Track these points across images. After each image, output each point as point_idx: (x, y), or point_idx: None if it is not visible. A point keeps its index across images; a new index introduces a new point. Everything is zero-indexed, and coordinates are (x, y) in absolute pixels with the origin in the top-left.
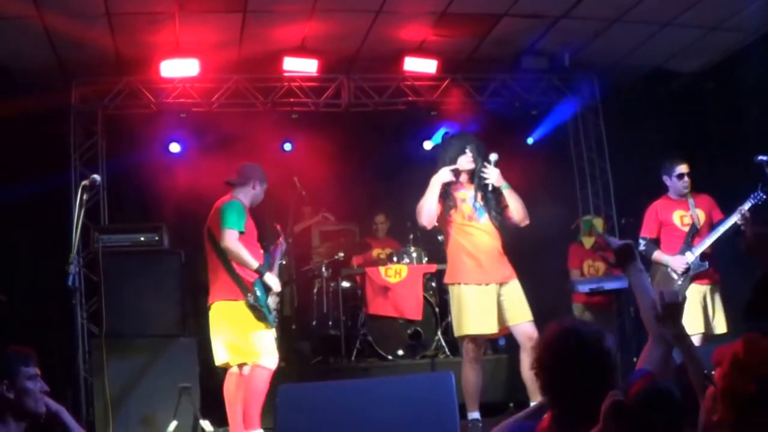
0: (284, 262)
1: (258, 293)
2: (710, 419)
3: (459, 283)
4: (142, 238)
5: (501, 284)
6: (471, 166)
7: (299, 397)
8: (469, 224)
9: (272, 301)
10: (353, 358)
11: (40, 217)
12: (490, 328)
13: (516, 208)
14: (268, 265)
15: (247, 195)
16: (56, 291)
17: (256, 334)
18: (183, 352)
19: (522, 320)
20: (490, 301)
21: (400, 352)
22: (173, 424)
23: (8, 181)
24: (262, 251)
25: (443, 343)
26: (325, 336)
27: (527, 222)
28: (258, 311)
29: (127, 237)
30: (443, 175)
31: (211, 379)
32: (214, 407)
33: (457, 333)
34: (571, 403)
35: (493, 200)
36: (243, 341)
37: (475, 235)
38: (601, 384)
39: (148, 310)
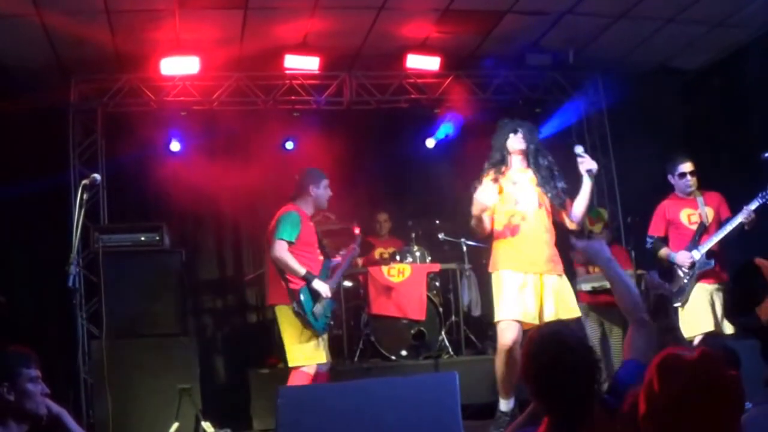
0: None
1: (303, 300)
2: None
3: (499, 269)
4: (143, 238)
5: (546, 275)
6: (521, 145)
7: (301, 398)
8: (515, 211)
9: (320, 308)
10: (356, 359)
11: (39, 217)
12: (526, 316)
13: (583, 204)
14: (326, 271)
15: (308, 202)
16: (56, 291)
17: (303, 339)
18: (184, 352)
19: (569, 315)
20: (530, 290)
21: (404, 353)
22: (174, 425)
23: (7, 180)
24: (322, 257)
25: (447, 344)
26: (327, 336)
27: (576, 226)
28: (302, 318)
29: (128, 237)
30: (483, 196)
31: (212, 379)
32: (215, 408)
33: (495, 318)
34: (563, 409)
35: (551, 184)
36: (289, 344)
37: (521, 224)
38: (589, 385)
39: (149, 310)
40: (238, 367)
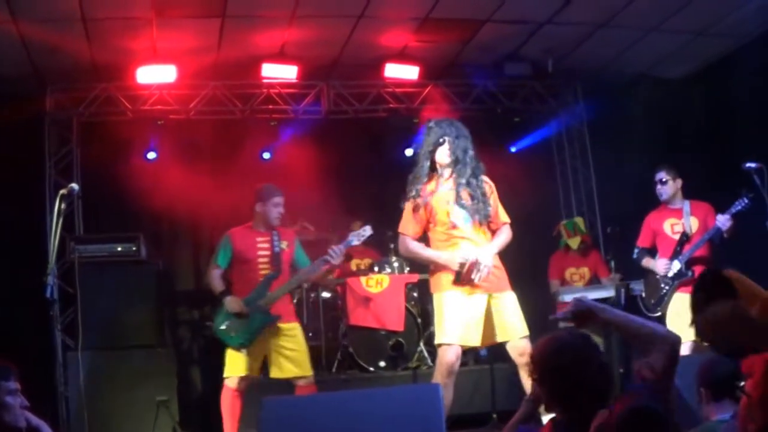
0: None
1: (215, 316)
2: (746, 428)
3: (441, 292)
4: (119, 248)
5: (491, 295)
6: (448, 159)
7: (283, 411)
8: (452, 233)
9: (235, 324)
10: (334, 370)
11: (13, 227)
12: (469, 340)
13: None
14: (264, 287)
15: (256, 219)
16: (30, 302)
17: (227, 353)
18: (161, 363)
19: (514, 337)
20: (474, 312)
21: (382, 364)
22: None
23: None
24: (262, 277)
25: (426, 354)
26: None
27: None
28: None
29: (104, 247)
30: (451, 264)
31: (190, 391)
32: (193, 420)
33: (436, 341)
34: (576, 413)
35: (480, 199)
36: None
37: (460, 244)
38: (605, 392)
39: (126, 321)
40: (216, 378)
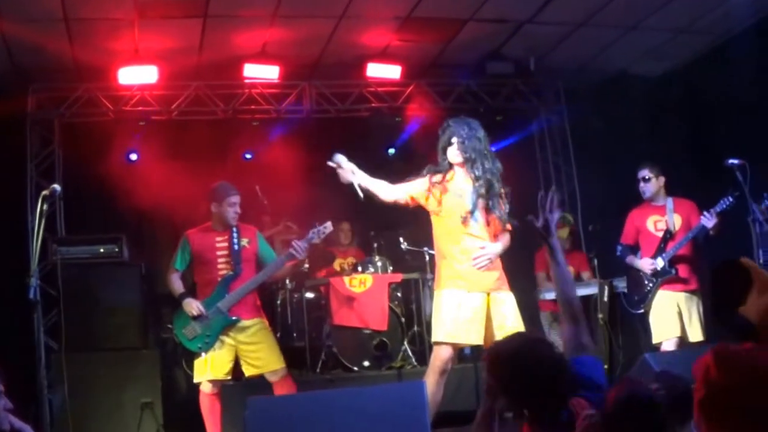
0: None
1: (174, 319)
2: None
3: (441, 289)
4: (102, 250)
5: (493, 293)
6: (459, 158)
7: (268, 410)
8: (458, 226)
9: (196, 327)
10: (318, 370)
11: None
12: (467, 338)
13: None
14: (223, 288)
15: (215, 220)
16: (12, 305)
17: (196, 356)
18: (145, 365)
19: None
20: (474, 310)
21: (366, 364)
22: None
23: None
24: (220, 278)
25: (410, 354)
26: (289, 348)
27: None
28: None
29: (86, 249)
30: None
31: (175, 393)
32: (177, 422)
33: (432, 339)
34: (540, 411)
35: (492, 201)
36: None
37: (464, 239)
38: (564, 388)
39: (109, 323)
40: None
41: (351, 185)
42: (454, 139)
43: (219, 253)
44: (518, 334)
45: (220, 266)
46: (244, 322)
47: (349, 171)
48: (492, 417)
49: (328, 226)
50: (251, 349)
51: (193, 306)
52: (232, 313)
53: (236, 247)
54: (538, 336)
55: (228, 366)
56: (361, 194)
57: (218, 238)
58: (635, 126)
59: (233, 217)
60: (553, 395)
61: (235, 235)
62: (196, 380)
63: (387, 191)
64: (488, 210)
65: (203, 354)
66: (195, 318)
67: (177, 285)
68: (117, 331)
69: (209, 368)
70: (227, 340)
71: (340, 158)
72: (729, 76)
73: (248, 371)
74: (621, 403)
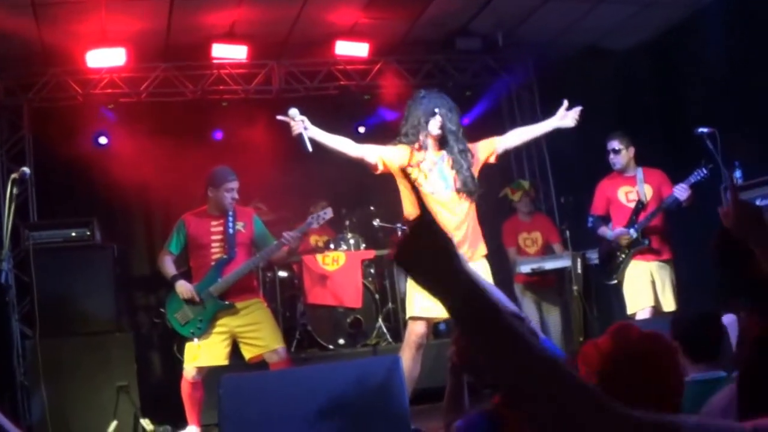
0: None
1: (166, 304)
2: None
3: None
4: (74, 234)
5: (469, 263)
6: (437, 132)
7: (243, 387)
8: (433, 199)
9: (187, 313)
10: (293, 349)
11: None
12: (443, 311)
13: (524, 138)
14: (216, 272)
15: (211, 204)
16: None
17: (186, 342)
18: (120, 349)
19: None
20: None
21: (341, 341)
22: (113, 424)
23: None
24: (214, 262)
25: (384, 330)
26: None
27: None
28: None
29: (58, 233)
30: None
31: (150, 376)
32: (153, 405)
33: (406, 314)
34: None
35: (463, 172)
36: None
37: (440, 212)
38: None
39: (83, 307)
40: (176, 362)
41: (300, 136)
42: (437, 110)
43: (214, 237)
44: None
45: (214, 250)
46: (241, 304)
47: (300, 123)
48: (460, 393)
49: (329, 212)
50: (250, 330)
51: (185, 289)
52: (225, 298)
53: (231, 231)
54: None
55: (224, 352)
56: (309, 146)
57: (213, 223)
58: (605, 99)
59: (230, 203)
60: None
61: (230, 219)
62: (185, 365)
63: (352, 146)
64: (461, 181)
65: (195, 340)
66: (187, 302)
67: (170, 268)
68: (91, 315)
69: (203, 354)
70: (221, 326)
71: (293, 112)
72: (698, 48)
73: (249, 353)
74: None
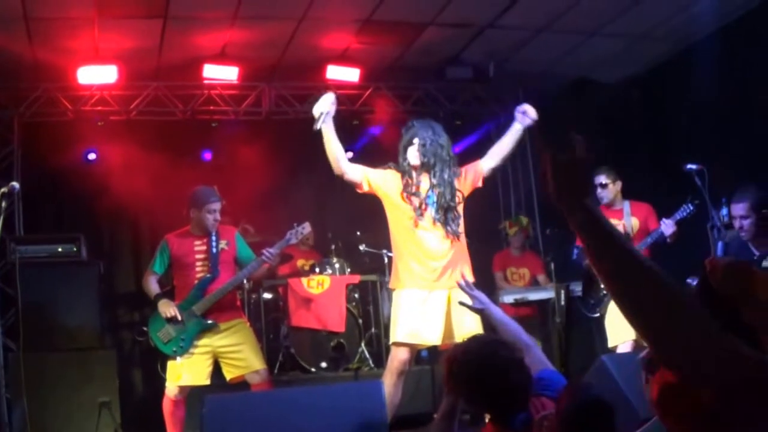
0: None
1: (149, 322)
2: None
3: (400, 288)
4: (60, 249)
5: (454, 290)
6: (417, 161)
7: (226, 408)
8: (421, 228)
9: (170, 331)
10: (276, 371)
11: None
12: (426, 339)
13: (502, 154)
14: (199, 291)
15: (193, 224)
16: None
17: (168, 360)
18: (103, 365)
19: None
20: (433, 310)
21: (324, 365)
22: None
23: None
24: (197, 281)
25: (367, 355)
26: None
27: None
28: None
29: (45, 248)
30: (322, 113)
31: (132, 393)
32: (134, 422)
33: (390, 339)
34: (499, 413)
35: (445, 206)
36: None
37: (424, 237)
38: (524, 390)
39: (67, 322)
40: (158, 380)
41: (321, 114)
42: (416, 140)
43: (197, 256)
44: (476, 337)
45: (198, 269)
46: (225, 324)
47: (332, 106)
48: (453, 416)
49: (306, 226)
50: (232, 350)
51: (167, 307)
52: (208, 316)
53: (215, 250)
54: (496, 338)
55: (206, 371)
56: (318, 126)
57: (197, 242)
58: (594, 131)
59: (212, 224)
60: (513, 396)
61: (213, 238)
62: (168, 384)
63: (344, 160)
64: (445, 215)
65: (178, 358)
66: (169, 320)
67: (153, 286)
68: (75, 330)
69: (185, 373)
70: (203, 345)
71: (332, 96)
72: (688, 83)
73: (230, 374)
74: (575, 409)
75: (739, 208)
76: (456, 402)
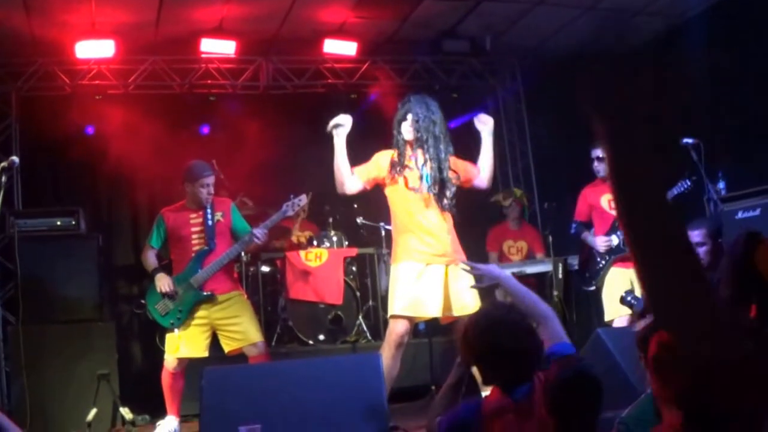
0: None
1: (147, 295)
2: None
3: (398, 262)
4: (59, 222)
5: (451, 265)
6: (410, 135)
7: (224, 380)
8: (419, 203)
9: (168, 304)
10: (273, 344)
11: None
12: (425, 311)
13: (487, 162)
14: (197, 263)
15: (188, 198)
16: None
17: (167, 333)
18: (101, 337)
19: (464, 313)
20: (431, 283)
21: (321, 337)
22: (93, 411)
23: None
24: (194, 253)
25: (365, 328)
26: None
27: (487, 184)
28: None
29: (44, 221)
30: (336, 124)
31: (130, 365)
32: (133, 394)
33: (388, 312)
34: (514, 378)
35: (438, 181)
36: None
37: (424, 215)
38: (538, 356)
39: (66, 295)
40: (156, 352)
41: (336, 126)
42: (409, 116)
43: (193, 229)
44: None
45: (194, 242)
46: (222, 296)
47: (347, 123)
48: (460, 387)
49: (303, 198)
50: (230, 323)
51: (163, 281)
52: (205, 288)
53: (210, 222)
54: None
55: (204, 343)
56: (329, 129)
57: (192, 215)
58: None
59: (206, 198)
60: (522, 360)
61: (209, 210)
62: (166, 356)
63: (349, 181)
64: (439, 190)
65: (175, 330)
66: (164, 295)
67: (151, 260)
68: (74, 303)
69: (183, 346)
70: (201, 317)
71: (347, 118)
72: (683, 58)
73: (228, 346)
74: (562, 381)
75: (695, 235)
76: (466, 372)
